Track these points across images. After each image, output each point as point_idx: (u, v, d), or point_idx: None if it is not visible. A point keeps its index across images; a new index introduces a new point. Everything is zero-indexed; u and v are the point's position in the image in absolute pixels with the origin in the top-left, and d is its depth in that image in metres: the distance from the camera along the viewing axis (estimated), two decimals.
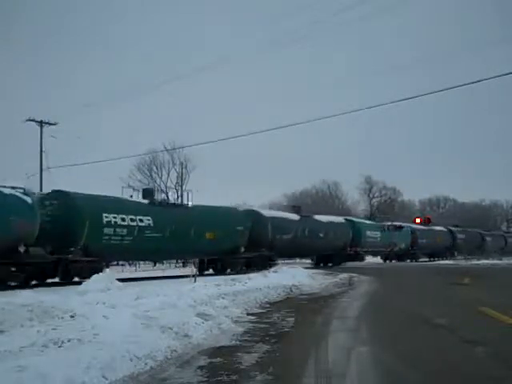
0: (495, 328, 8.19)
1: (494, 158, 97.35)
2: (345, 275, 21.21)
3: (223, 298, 10.89)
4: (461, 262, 43.43)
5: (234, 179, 68.61)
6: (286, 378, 5.29)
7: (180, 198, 49.79)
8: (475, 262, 41.71)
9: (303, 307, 11.56)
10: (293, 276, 18.05)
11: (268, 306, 11.60)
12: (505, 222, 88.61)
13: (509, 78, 20.03)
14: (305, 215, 34.09)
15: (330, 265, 34.80)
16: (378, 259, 45.13)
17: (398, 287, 18.13)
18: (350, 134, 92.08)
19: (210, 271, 25.17)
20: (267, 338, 7.34)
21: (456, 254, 53.49)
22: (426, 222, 48.46)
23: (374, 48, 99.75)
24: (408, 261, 45.58)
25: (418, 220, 48.90)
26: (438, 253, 51.34)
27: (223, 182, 62.99)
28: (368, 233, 39.81)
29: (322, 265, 35.18)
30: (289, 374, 5.36)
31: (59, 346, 5.64)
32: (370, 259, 42.84)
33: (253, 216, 28.11)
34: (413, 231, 46.61)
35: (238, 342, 7.08)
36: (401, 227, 45.00)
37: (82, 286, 12.46)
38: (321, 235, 32.93)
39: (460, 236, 55.27)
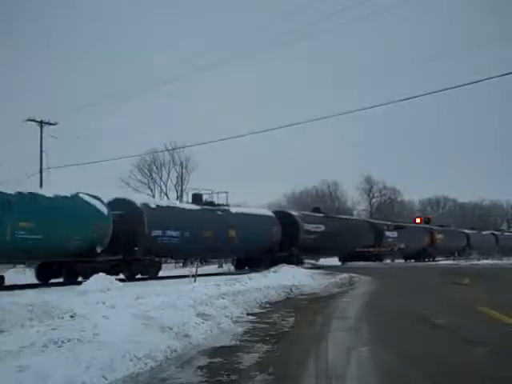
0: (495, 328, 8.18)
1: (494, 158, 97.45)
2: (345, 275, 21.18)
3: (223, 298, 10.88)
4: (461, 262, 43.40)
5: (234, 179, 68.57)
6: (286, 377, 5.28)
7: (180, 198, 49.96)
8: (475, 262, 41.70)
9: (303, 307, 11.55)
10: (293, 276, 18.05)
11: (268, 306, 11.59)
12: (505, 221, 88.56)
13: (509, 77, 20.04)
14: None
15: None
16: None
17: (398, 287, 18.12)
18: (351, 134, 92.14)
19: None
20: (267, 338, 7.34)
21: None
22: (427, 221, 48.59)
23: (373, 48, 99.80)
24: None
25: (418, 220, 48.95)
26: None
27: (223, 181, 62.89)
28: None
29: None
30: (289, 374, 5.35)
31: (59, 346, 5.63)
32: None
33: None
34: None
35: (237, 342, 7.08)
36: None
37: (81, 285, 12.46)
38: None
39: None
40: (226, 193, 28.39)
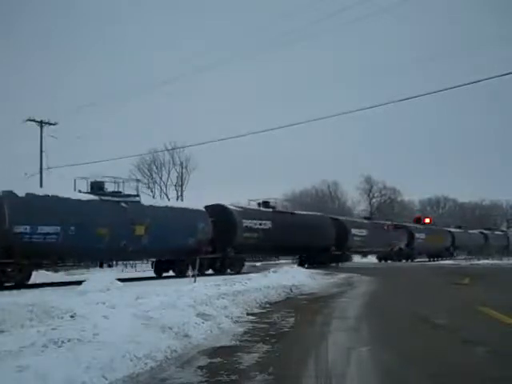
0: (495, 328, 8.19)
1: (494, 158, 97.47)
2: (344, 275, 21.23)
3: (223, 298, 10.89)
4: (461, 261, 43.41)
5: (233, 179, 68.57)
6: (286, 377, 5.28)
7: (180, 198, 50.00)
8: (475, 261, 41.69)
9: (303, 307, 11.56)
10: (292, 276, 18.06)
11: (268, 306, 11.60)
12: (505, 221, 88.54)
13: (508, 77, 20.04)
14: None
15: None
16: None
17: (397, 287, 18.12)
18: (350, 133, 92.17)
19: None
20: (267, 338, 7.34)
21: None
22: (429, 222, 48.40)
23: (373, 48, 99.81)
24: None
25: (417, 220, 48.80)
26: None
27: (223, 181, 62.97)
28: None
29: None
30: (289, 374, 5.36)
31: (59, 346, 5.64)
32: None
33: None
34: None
35: (237, 342, 7.08)
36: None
37: (81, 285, 12.46)
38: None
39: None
40: (138, 181, 23.50)
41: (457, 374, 5.34)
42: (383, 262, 44.31)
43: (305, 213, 34.79)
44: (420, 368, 5.54)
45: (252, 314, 10.00)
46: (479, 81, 21.88)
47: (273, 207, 30.68)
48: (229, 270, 24.75)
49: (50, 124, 37.15)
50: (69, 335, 6.00)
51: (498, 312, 9.46)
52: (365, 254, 42.62)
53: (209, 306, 9.36)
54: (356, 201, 74.91)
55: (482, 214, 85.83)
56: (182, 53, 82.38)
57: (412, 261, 45.78)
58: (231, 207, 27.15)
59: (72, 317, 7.64)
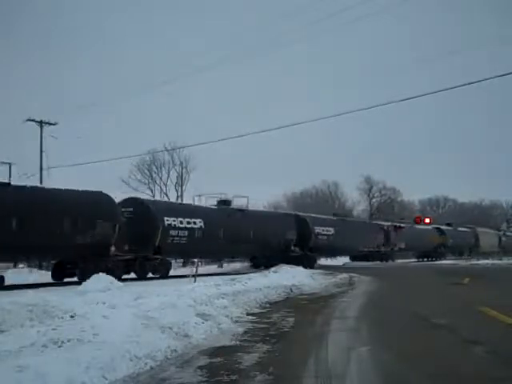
0: (495, 328, 8.18)
1: (494, 158, 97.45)
2: (345, 275, 21.21)
3: (223, 297, 10.89)
4: (460, 261, 43.36)
5: (233, 179, 68.51)
6: (286, 378, 5.28)
7: (180, 198, 50.00)
8: (475, 261, 41.64)
9: (303, 307, 11.56)
10: (293, 276, 18.06)
11: (268, 305, 11.60)
12: (505, 222, 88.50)
13: (509, 77, 20.05)
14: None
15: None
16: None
17: (397, 287, 18.11)
18: (350, 134, 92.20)
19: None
20: (267, 338, 7.34)
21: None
22: (426, 222, 48.24)
23: (373, 48, 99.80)
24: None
25: (417, 220, 48.60)
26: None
27: (223, 182, 62.92)
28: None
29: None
30: (289, 374, 5.35)
31: (59, 346, 5.64)
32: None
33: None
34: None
35: (237, 342, 7.08)
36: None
37: (81, 286, 12.46)
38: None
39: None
40: None
41: (457, 374, 5.33)
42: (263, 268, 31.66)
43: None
44: (420, 368, 5.54)
45: (252, 314, 10.00)
46: (479, 81, 21.93)
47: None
48: None
49: (50, 124, 37.11)
50: (69, 335, 6.00)
51: (498, 312, 9.46)
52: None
53: (209, 306, 9.36)
54: (356, 201, 74.83)
55: (482, 213, 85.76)
56: (182, 53, 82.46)
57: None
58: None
59: (72, 317, 7.64)
